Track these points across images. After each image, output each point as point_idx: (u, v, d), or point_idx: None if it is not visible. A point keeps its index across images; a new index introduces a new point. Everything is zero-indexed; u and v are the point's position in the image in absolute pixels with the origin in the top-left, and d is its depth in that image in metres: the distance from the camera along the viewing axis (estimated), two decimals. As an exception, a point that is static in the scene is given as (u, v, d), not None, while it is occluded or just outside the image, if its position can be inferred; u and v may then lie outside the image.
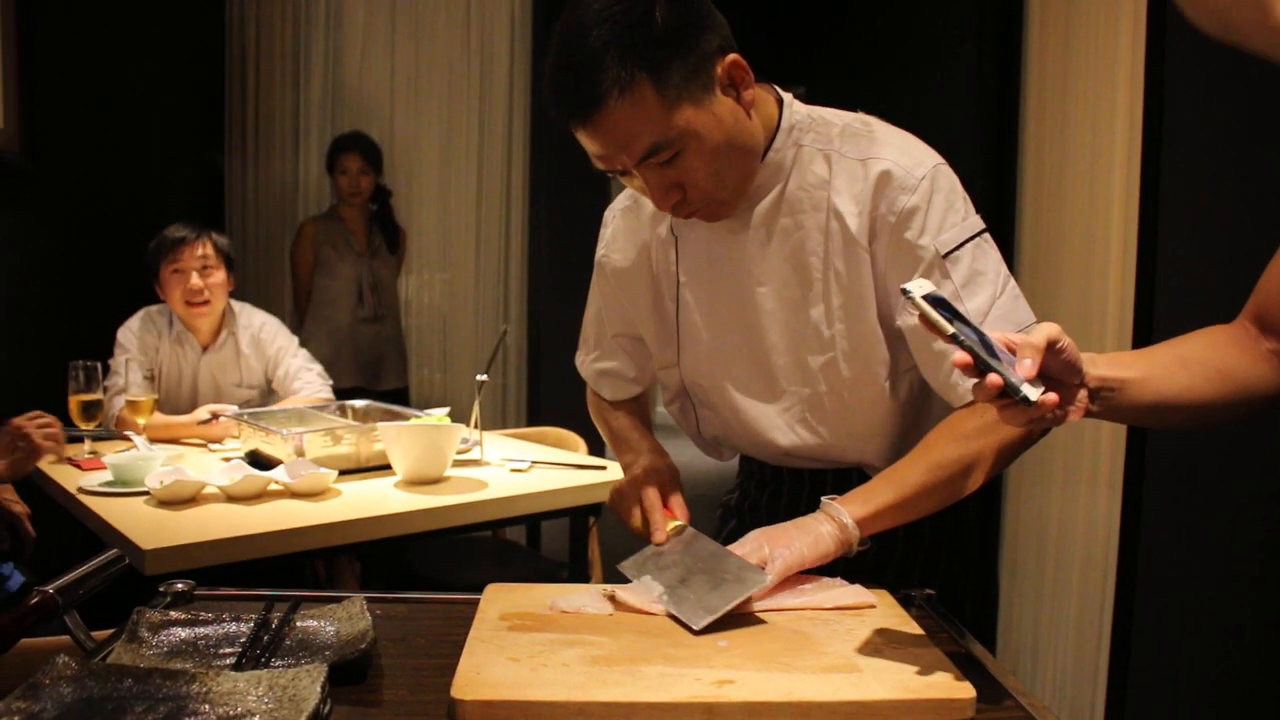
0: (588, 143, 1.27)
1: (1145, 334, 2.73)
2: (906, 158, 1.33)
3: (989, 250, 1.33)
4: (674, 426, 1.66)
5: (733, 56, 1.27)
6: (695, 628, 1.14)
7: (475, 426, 2.73)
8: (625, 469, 1.56)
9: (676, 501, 1.44)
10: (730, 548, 1.28)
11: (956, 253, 1.30)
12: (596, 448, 3.24)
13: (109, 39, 3.87)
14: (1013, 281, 1.34)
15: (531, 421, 4.88)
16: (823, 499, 1.31)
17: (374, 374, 4.37)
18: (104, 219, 3.81)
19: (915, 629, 1.18)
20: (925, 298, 0.98)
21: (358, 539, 2.16)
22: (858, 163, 1.34)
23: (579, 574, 2.71)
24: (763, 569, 1.23)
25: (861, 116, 1.40)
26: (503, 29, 4.99)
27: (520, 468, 2.65)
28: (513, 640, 1.11)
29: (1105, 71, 3.00)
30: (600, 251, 1.60)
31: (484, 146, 5.02)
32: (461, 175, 4.99)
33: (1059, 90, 3.25)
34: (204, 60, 4.47)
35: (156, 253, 3.13)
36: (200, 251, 3.11)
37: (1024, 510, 3.33)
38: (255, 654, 1.07)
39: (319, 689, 0.93)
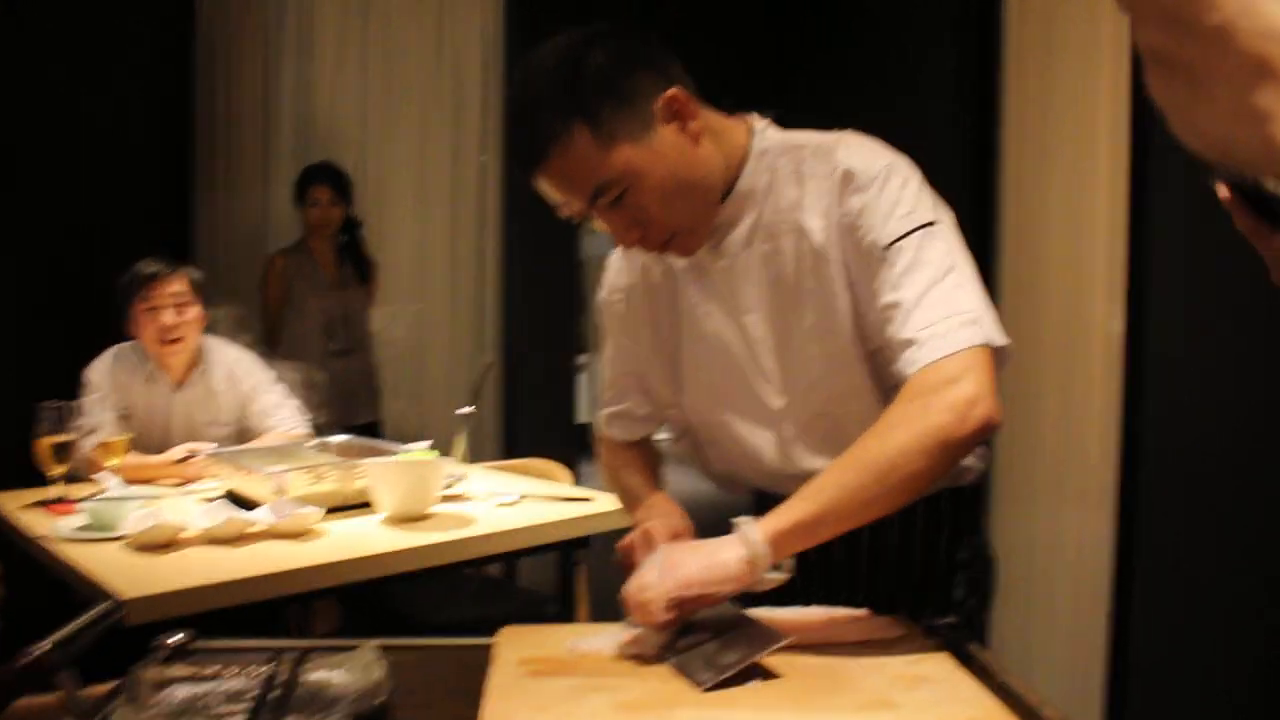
0: (546, 191, 1.31)
1: (1137, 348, 2.73)
2: (863, 160, 1.32)
3: (935, 242, 1.28)
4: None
5: (672, 91, 1.29)
6: (701, 688, 1.07)
7: (462, 461, 2.67)
8: (636, 524, 1.50)
9: None
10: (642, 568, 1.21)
11: (900, 243, 1.27)
12: (583, 479, 3.19)
13: (71, 70, 3.80)
14: (959, 274, 1.27)
15: (508, 454, 4.81)
16: (734, 519, 1.20)
17: (346, 408, 4.29)
18: (65, 256, 3.73)
19: (946, 661, 1.14)
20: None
21: (346, 580, 2.10)
22: (824, 179, 1.33)
23: (567, 608, 2.65)
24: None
25: (838, 134, 1.39)
26: (474, 58, 4.96)
27: (507, 502, 2.59)
28: (535, 687, 1.06)
29: (1087, 86, 3.01)
30: (602, 293, 1.60)
31: (457, 176, 4.98)
32: (435, 205, 4.94)
33: (1039, 107, 3.26)
34: (171, 91, 4.39)
35: (128, 289, 3.05)
36: (174, 288, 3.04)
37: (1010, 530, 3.31)
38: (265, 712, 1.01)
39: (340, 748, 0.87)
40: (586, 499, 2.63)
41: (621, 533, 2.37)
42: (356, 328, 4.35)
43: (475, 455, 4.71)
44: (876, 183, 1.30)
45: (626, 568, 1.36)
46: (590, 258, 8.77)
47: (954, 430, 1.19)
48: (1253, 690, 2.44)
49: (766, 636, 1.15)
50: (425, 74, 4.88)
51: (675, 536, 1.36)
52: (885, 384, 1.36)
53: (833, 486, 1.20)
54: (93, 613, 1.19)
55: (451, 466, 2.56)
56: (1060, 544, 3.11)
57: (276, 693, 1.05)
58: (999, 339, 1.25)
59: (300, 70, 4.65)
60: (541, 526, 2.44)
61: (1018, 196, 3.37)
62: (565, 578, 2.62)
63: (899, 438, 1.19)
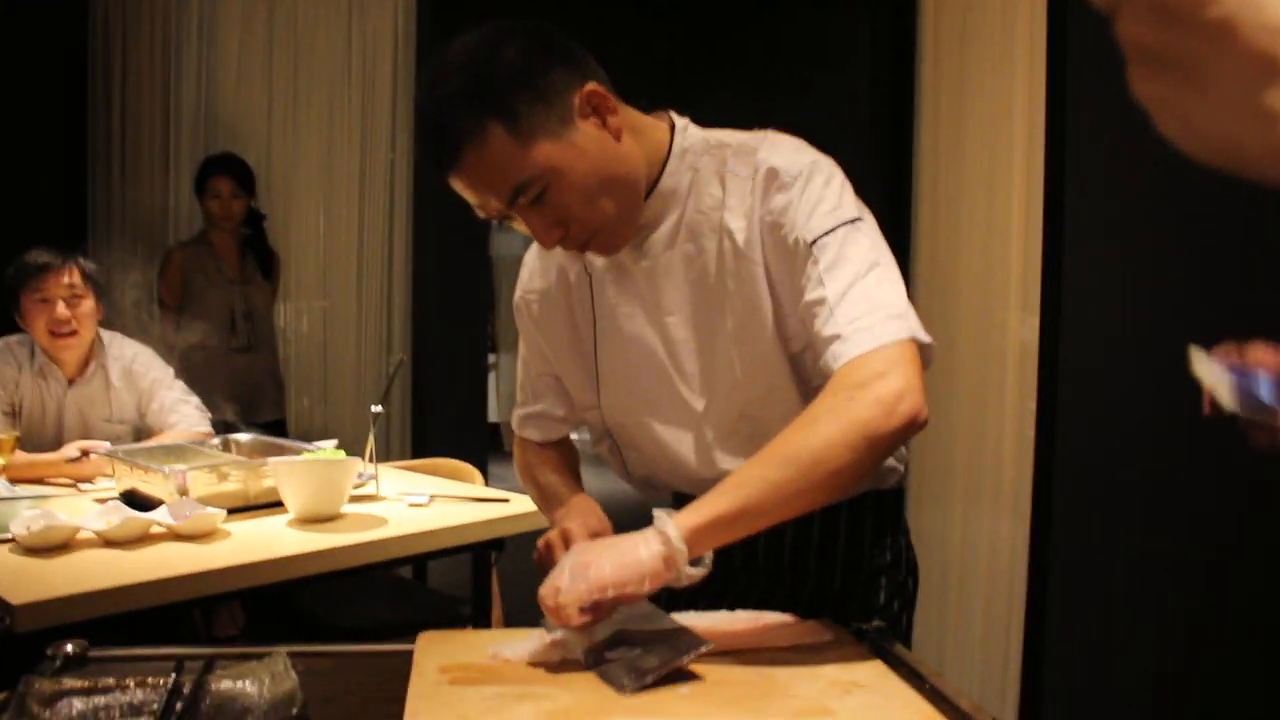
0: (462, 193, 1.27)
1: (1050, 354, 2.76)
2: (785, 158, 1.30)
3: (859, 238, 1.27)
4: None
5: (590, 85, 1.25)
6: (624, 693, 1.04)
7: (371, 460, 2.60)
8: (553, 524, 1.45)
9: None
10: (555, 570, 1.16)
11: (824, 239, 1.25)
12: (493, 480, 3.14)
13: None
14: (883, 270, 1.26)
15: (417, 454, 4.72)
16: (655, 511, 1.17)
17: (249, 405, 4.16)
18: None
19: (878, 665, 1.13)
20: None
21: (253, 583, 2.02)
22: (746, 179, 1.31)
23: (481, 611, 2.59)
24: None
25: (761, 133, 1.36)
26: (385, 50, 4.86)
27: (419, 502, 2.53)
28: (458, 696, 1.02)
29: (1003, 89, 3.05)
30: (518, 293, 1.55)
31: (366, 171, 4.88)
32: (342, 200, 4.83)
33: (954, 108, 3.30)
34: (65, 75, 4.22)
35: (17, 280, 2.91)
36: (67, 279, 2.90)
37: (925, 534, 3.35)
38: (170, 725, 0.95)
39: (253, 765, 0.82)
40: (502, 499, 2.58)
41: (537, 534, 2.33)
42: (260, 323, 4.23)
43: (383, 455, 4.63)
44: (800, 180, 1.27)
45: (545, 569, 1.32)
46: (501, 256, 8.72)
47: (880, 425, 1.15)
48: (1162, 691, 2.49)
49: (689, 642, 1.12)
50: (334, 65, 4.77)
51: (594, 536, 1.32)
52: (808, 385, 1.34)
53: (753, 481, 1.15)
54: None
55: (361, 466, 2.48)
56: (974, 547, 3.15)
57: (182, 705, 0.99)
58: (924, 336, 1.23)
59: (203, 58, 4.51)
60: (456, 528, 2.38)
61: (932, 200, 3.40)
62: (479, 580, 2.56)
63: (823, 431, 1.15)
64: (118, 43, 4.33)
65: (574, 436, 1.65)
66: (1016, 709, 2.86)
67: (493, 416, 8.34)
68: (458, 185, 1.25)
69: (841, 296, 1.22)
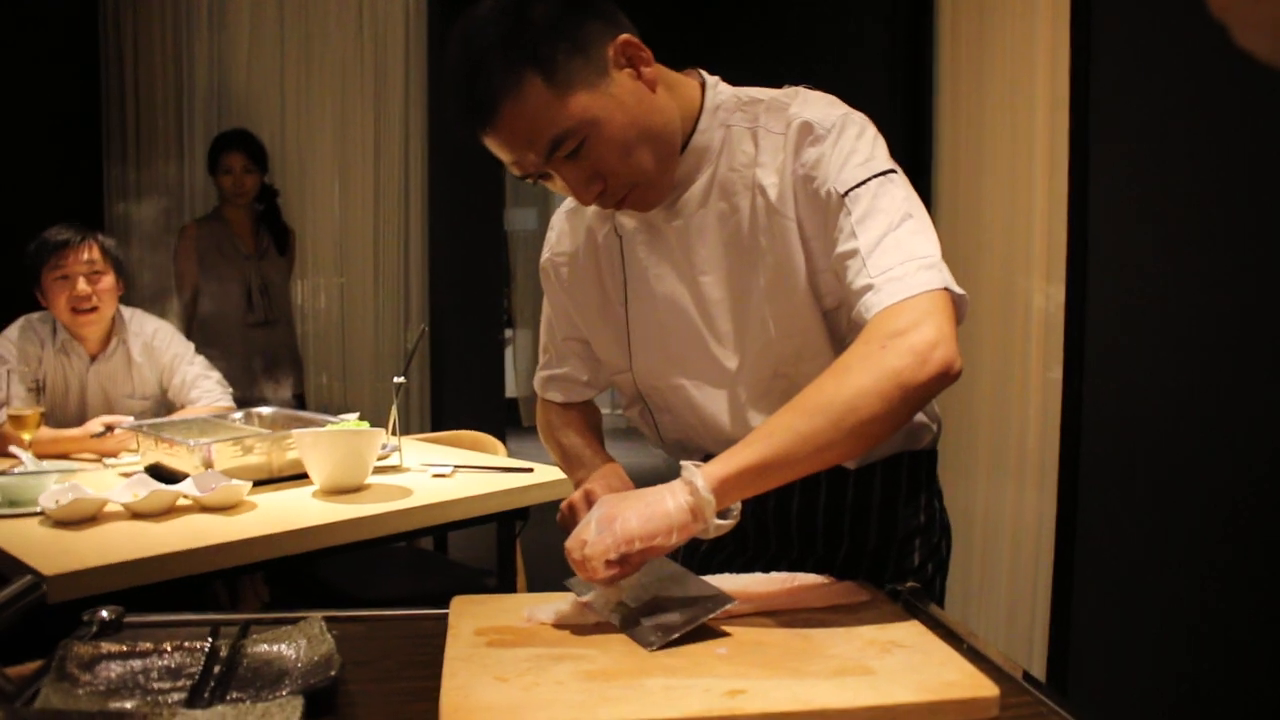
0: (497, 151, 1.24)
1: (1075, 325, 2.74)
2: (818, 112, 1.28)
3: (892, 189, 1.25)
4: (631, 431, 1.56)
5: (624, 36, 1.24)
6: (649, 649, 1.04)
7: (394, 432, 2.60)
8: (577, 485, 1.44)
9: None
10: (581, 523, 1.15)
11: (856, 190, 1.23)
12: (514, 454, 3.13)
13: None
14: (916, 221, 1.24)
15: (435, 428, 4.73)
16: (682, 462, 1.15)
17: (268, 381, 4.17)
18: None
19: (916, 625, 1.12)
20: None
21: (279, 554, 2.02)
22: (779, 135, 1.29)
23: (506, 581, 2.60)
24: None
25: (791, 89, 1.35)
26: (397, 22, 4.84)
27: (443, 473, 2.53)
28: (495, 657, 1.01)
29: (1024, 57, 3.01)
30: (545, 255, 1.53)
31: (380, 145, 4.86)
32: (357, 176, 4.82)
33: (974, 77, 3.26)
34: (79, 55, 4.21)
35: (37, 257, 2.91)
36: (86, 255, 2.90)
37: (948, 498, 3.33)
38: (209, 688, 0.95)
39: (296, 724, 0.82)
40: (526, 469, 2.58)
41: (560, 504, 2.32)
42: (276, 298, 4.23)
43: (402, 429, 4.64)
44: (833, 133, 1.26)
45: (569, 530, 1.32)
46: (516, 231, 8.69)
47: (913, 374, 1.13)
48: (1205, 665, 2.47)
49: (715, 600, 1.11)
50: (346, 40, 4.76)
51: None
52: (841, 342, 1.32)
53: (784, 430, 1.13)
54: (11, 589, 1.11)
55: (385, 437, 2.48)
56: (999, 516, 3.13)
57: (220, 668, 0.99)
58: (957, 288, 1.21)
59: (214, 35, 4.51)
60: (480, 498, 2.38)
61: (953, 167, 3.37)
62: (504, 550, 2.56)
63: (855, 380, 1.13)
64: (129, 21, 4.33)
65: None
66: (1044, 677, 2.85)
67: (510, 391, 8.35)
68: (493, 143, 1.23)
69: (874, 247, 1.20)
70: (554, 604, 1.15)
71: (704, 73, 1.38)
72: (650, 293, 1.40)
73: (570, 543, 1.13)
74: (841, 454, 1.16)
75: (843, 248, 1.23)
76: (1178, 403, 2.47)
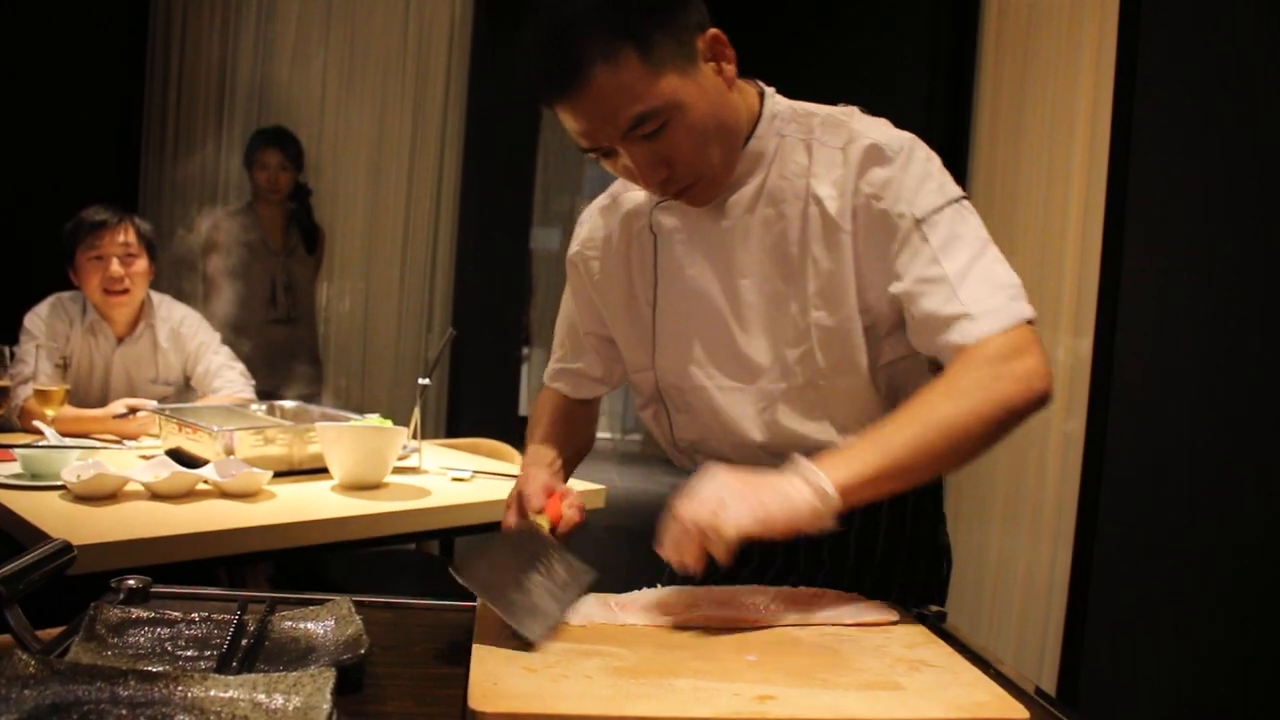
0: (572, 120, 1.23)
1: (1103, 370, 2.73)
2: (884, 134, 1.31)
3: (968, 216, 1.28)
4: (638, 456, 1.56)
5: (714, 30, 1.26)
6: (531, 638, 1.03)
7: (416, 434, 2.60)
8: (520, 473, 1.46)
9: (555, 500, 1.32)
10: (683, 495, 1.12)
11: (934, 217, 1.26)
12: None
13: (22, 16, 3.65)
14: (995, 248, 1.28)
15: (451, 433, 4.73)
16: (795, 456, 1.14)
17: (285, 378, 4.17)
18: (12, 201, 3.58)
19: (945, 647, 1.11)
20: None
21: (296, 543, 2.01)
22: (837, 150, 1.31)
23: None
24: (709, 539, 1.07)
25: (844, 109, 1.37)
26: (442, 30, 4.87)
27: (462, 476, 2.53)
28: (523, 650, 1.01)
29: (1065, 89, 3.02)
30: (574, 249, 1.54)
31: (416, 152, 4.89)
32: (391, 181, 4.85)
33: (1014, 108, 3.26)
34: (125, 44, 4.25)
35: (73, 236, 2.93)
36: (122, 237, 2.92)
37: (961, 543, 3.32)
38: (237, 658, 0.94)
39: (328, 696, 0.81)
40: (543, 479, 2.57)
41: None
42: (300, 296, 4.25)
43: (419, 433, 4.64)
44: (902, 155, 1.28)
45: (512, 515, 1.34)
46: (540, 250, 8.70)
47: (1020, 402, 1.18)
48: (1217, 687, 2.45)
49: (582, 574, 1.14)
50: (389, 46, 4.79)
51: (548, 493, 1.33)
52: (876, 362, 1.33)
53: (904, 442, 1.15)
54: (43, 549, 1.11)
55: (407, 438, 2.48)
56: (1012, 563, 3.11)
57: (246, 640, 0.99)
58: (1032, 310, 1.25)
59: (261, 33, 4.55)
60: (497, 504, 2.36)
61: (986, 205, 3.37)
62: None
63: (971, 404, 1.16)
64: (178, 14, 4.37)
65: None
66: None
67: (523, 410, 8.34)
68: (573, 110, 1.21)
69: (963, 275, 1.23)
70: (581, 603, 1.15)
71: (760, 83, 1.39)
72: (682, 292, 1.41)
73: (695, 508, 1.09)
74: (945, 469, 1.21)
75: (923, 273, 1.24)
76: (1201, 455, 2.46)
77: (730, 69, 1.28)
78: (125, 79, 4.26)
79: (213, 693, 0.82)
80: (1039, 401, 1.19)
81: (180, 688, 0.82)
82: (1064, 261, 3.00)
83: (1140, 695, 2.59)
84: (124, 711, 0.78)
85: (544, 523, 1.28)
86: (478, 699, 0.88)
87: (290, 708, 0.80)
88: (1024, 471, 3.08)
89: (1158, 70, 2.63)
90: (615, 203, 1.49)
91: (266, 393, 3.59)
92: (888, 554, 1.44)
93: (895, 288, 1.27)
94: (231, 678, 0.83)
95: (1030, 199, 3.17)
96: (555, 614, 1.08)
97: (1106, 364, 2.71)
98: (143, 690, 0.82)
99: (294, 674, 0.83)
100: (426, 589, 2.74)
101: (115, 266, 2.89)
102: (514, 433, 5.89)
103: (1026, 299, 1.24)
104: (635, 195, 1.45)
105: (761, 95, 1.37)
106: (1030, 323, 1.23)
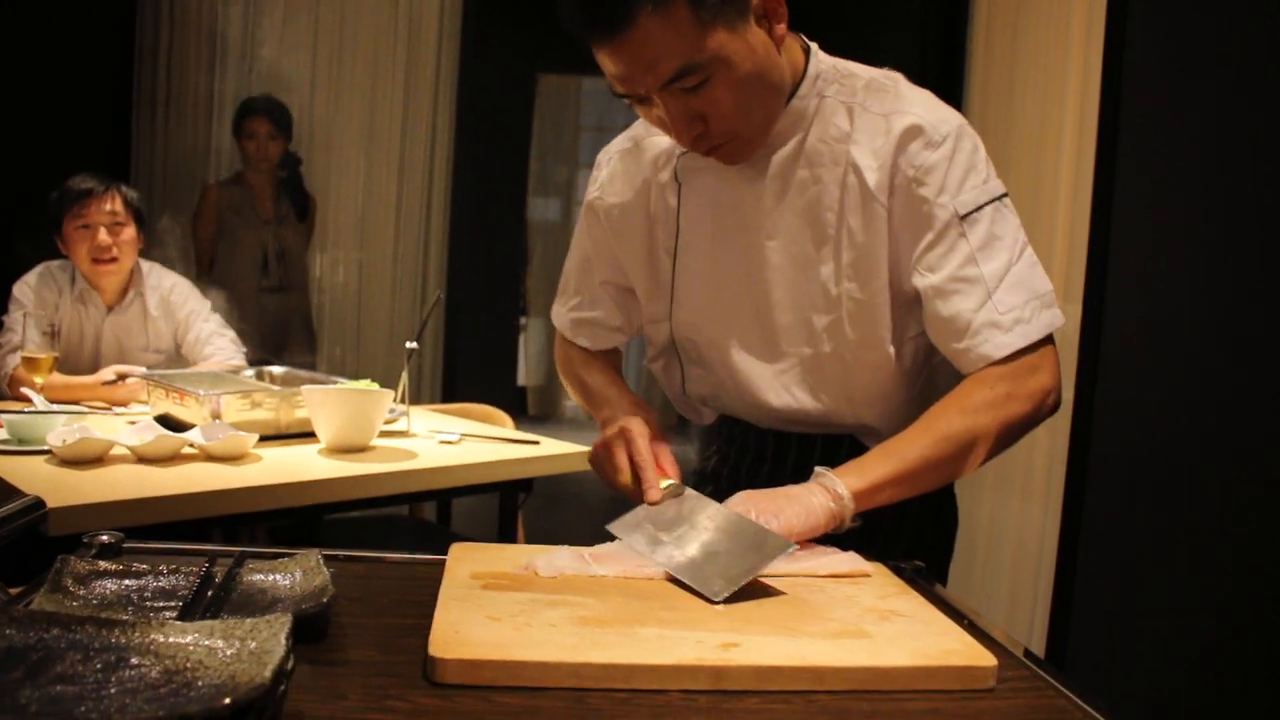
0: (610, 63, 1.19)
1: (1091, 347, 2.72)
2: (932, 114, 1.28)
3: (1008, 215, 1.28)
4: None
5: None
6: (715, 599, 1.04)
7: (403, 398, 2.60)
8: (604, 425, 1.42)
9: (666, 458, 1.32)
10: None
11: (975, 215, 1.25)
12: (522, 425, 3.13)
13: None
14: (1030, 250, 1.29)
15: (446, 401, 4.73)
16: (816, 469, 1.22)
17: (279, 346, 4.18)
18: (2, 172, 3.57)
19: (918, 598, 1.11)
20: None
21: (281, 504, 2.02)
22: (881, 117, 1.28)
23: (506, 554, 2.59)
24: None
25: (887, 72, 1.35)
26: (432, 2, 4.84)
27: (449, 440, 2.53)
28: (490, 599, 1.01)
29: (1054, 80, 3.00)
30: (593, 193, 1.50)
31: (409, 122, 4.87)
32: (383, 153, 4.84)
33: (1004, 96, 3.24)
34: (114, 15, 4.23)
35: (60, 205, 2.92)
36: (109, 206, 2.91)
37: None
38: (201, 608, 0.94)
39: (283, 640, 0.80)
40: (532, 441, 2.58)
41: (567, 476, 2.30)
42: (293, 264, 4.24)
43: (415, 400, 4.64)
44: (949, 142, 1.26)
45: (602, 470, 1.34)
46: (536, 220, 8.67)
47: (1029, 418, 1.26)
48: (1206, 674, 2.46)
49: (774, 544, 1.11)
50: (380, 14, 4.77)
51: (653, 437, 1.32)
52: (902, 339, 1.33)
53: (917, 454, 1.22)
54: (14, 505, 1.11)
55: (393, 401, 2.48)
56: (1002, 531, 3.12)
57: (213, 591, 0.98)
58: (1061, 318, 1.29)
59: (250, 3, 4.51)
60: (485, 465, 2.38)
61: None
62: (505, 519, 2.55)
63: (981, 422, 1.23)
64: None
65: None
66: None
67: (521, 380, 8.33)
68: (613, 54, 1.17)
69: (999, 280, 1.25)
70: (553, 555, 1.15)
71: (804, 37, 1.35)
72: (705, 244, 1.39)
73: None
74: (955, 477, 1.29)
75: (960, 271, 1.25)
76: (1188, 422, 2.45)
77: (781, 28, 1.24)
78: (116, 49, 4.24)
79: (171, 639, 0.81)
80: (1047, 415, 1.27)
81: (137, 634, 0.81)
82: (1054, 230, 3.00)
83: (1128, 656, 2.59)
84: (78, 655, 0.78)
85: (669, 483, 1.28)
86: (438, 646, 0.87)
87: (245, 652, 0.80)
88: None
89: (1144, 52, 2.62)
90: (637, 146, 1.45)
91: (263, 360, 3.59)
92: (898, 512, 1.43)
93: (923, 281, 1.27)
94: (189, 624, 0.83)
95: (1022, 162, 3.16)
96: (740, 576, 1.06)
97: (1095, 331, 2.70)
98: (99, 636, 0.81)
99: (251, 620, 0.83)
100: (422, 553, 2.76)
101: (103, 235, 2.88)
102: (513, 404, 5.91)
103: (1056, 305, 1.27)
104: (659, 140, 1.41)
105: (807, 52, 1.33)
106: (1053, 333, 1.27)
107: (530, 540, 3.04)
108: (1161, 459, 2.52)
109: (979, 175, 1.26)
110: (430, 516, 3.56)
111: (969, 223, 1.25)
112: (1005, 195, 1.29)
